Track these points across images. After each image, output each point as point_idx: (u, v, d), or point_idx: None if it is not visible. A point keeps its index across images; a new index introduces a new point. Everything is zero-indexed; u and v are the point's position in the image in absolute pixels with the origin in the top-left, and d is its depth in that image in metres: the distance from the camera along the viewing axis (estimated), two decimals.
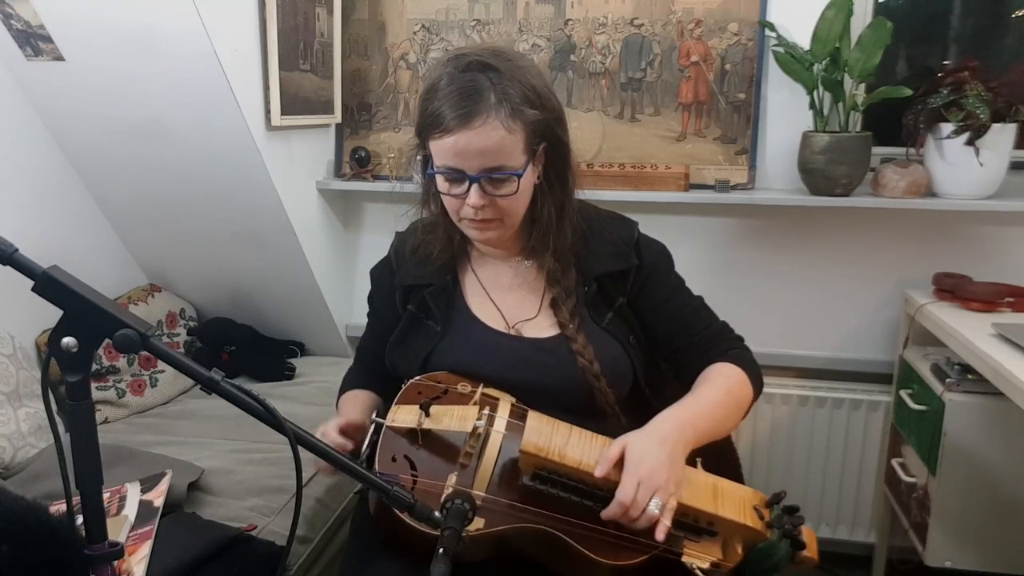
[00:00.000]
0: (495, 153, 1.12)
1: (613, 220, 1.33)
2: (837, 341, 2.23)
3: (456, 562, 0.89)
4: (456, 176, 1.15)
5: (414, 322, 1.31)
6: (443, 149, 1.14)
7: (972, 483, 1.74)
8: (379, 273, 1.40)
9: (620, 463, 1.07)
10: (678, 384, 1.31)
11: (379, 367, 1.37)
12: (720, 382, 1.23)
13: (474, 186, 1.14)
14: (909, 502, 1.90)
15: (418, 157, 1.24)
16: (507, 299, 1.30)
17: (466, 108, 1.11)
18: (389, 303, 1.34)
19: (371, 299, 1.42)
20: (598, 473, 1.07)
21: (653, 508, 1.03)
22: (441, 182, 1.18)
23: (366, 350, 1.45)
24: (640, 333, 1.30)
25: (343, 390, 1.43)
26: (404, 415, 1.15)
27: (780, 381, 2.20)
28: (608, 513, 1.06)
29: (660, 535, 1.04)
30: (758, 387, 1.27)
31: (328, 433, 1.20)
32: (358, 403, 1.35)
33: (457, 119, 1.11)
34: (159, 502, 1.47)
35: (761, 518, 1.13)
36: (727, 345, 1.30)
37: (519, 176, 1.15)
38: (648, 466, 1.05)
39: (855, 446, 2.18)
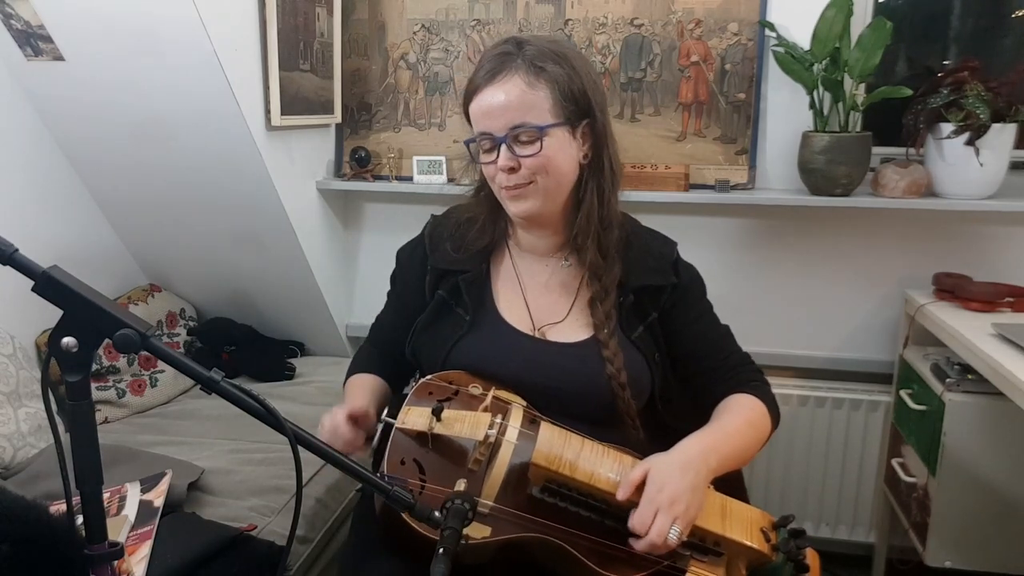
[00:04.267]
0: (517, 109, 1.14)
1: (655, 236, 1.34)
2: (837, 341, 2.23)
3: (461, 565, 0.88)
4: (488, 140, 1.18)
5: (443, 308, 1.29)
6: (476, 114, 1.19)
7: (972, 483, 1.74)
8: (409, 254, 1.38)
9: (641, 485, 1.07)
10: (690, 402, 1.31)
11: (392, 348, 1.36)
12: (743, 413, 1.24)
13: (502, 147, 1.16)
14: (909, 502, 1.90)
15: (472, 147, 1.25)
16: (538, 299, 1.29)
17: (493, 69, 1.16)
18: (416, 286, 1.33)
19: (395, 280, 1.41)
20: (620, 497, 1.06)
21: (672, 537, 1.03)
22: (479, 153, 1.21)
23: (381, 330, 1.43)
24: (664, 351, 1.30)
25: (352, 371, 1.41)
26: (415, 417, 1.14)
27: (780, 381, 2.20)
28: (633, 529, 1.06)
29: (664, 550, 1.05)
30: (776, 421, 1.28)
31: (338, 420, 1.18)
32: (366, 389, 1.32)
33: (483, 78, 1.17)
34: (159, 502, 1.47)
35: (767, 540, 1.13)
36: (748, 376, 1.31)
37: (540, 130, 1.15)
38: (669, 493, 1.05)
39: (855, 446, 2.18)
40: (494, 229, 1.30)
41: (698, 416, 1.24)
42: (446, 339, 1.26)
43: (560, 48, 1.20)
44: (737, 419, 1.22)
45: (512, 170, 1.16)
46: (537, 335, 1.27)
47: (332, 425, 1.18)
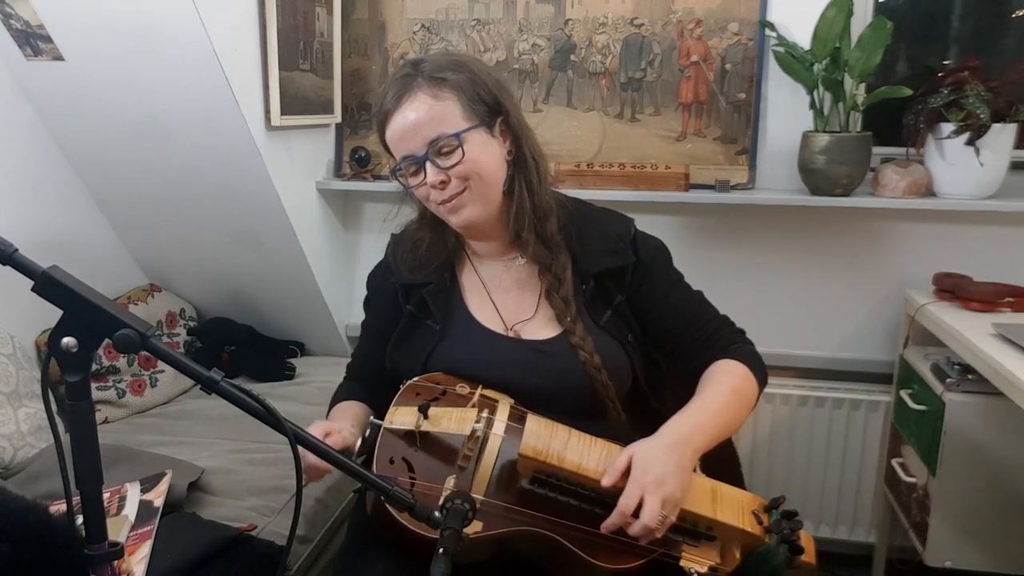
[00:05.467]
0: (429, 124, 1.16)
1: (609, 217, 1.33)
2: (837, 341, 2.23)
3: (454, 563, 0.89)
4: (412, 163, 1.19)
5: (414, 322, 1.31)
6: (393, 140, 1.20)
7: (972, 483, 1.74)
8: (376, 277, 1.40)
9: (627, 472, 1.07)
10: (677, 382, 1.31)
11: (373, 378, 1.37)
12: (726, 380, 1.23)
13: (427, 165, 1.17)
14: (909, 502, 1.90)
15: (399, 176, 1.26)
16: (505, 300, 1.30)
17: (397, 93, 1.18)
18: (389, 306, 1.34)
19: (368, 305, 1.42)
20: (605, 483, 1.06)
21: (660, 517, 1.03)
22: (407, 178, 1.21)
23: (360, 361, 1.44)
24: (639, 332, 1.30)
25: (333, 403, 1.41)
26: (402, 417, 1.14)
27: (780, 381, 2.20)
28: (609, 524, 1.05)
29: (657, 534, 1.04)
30: (762, 381, 1.27)
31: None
32: (347, 413, 1.33)
33: (391, 103, 1.18)
34: (159, 502, 1.47)
35: (760, 523, 1.13)
36: (729, 339, 1.30)
37: (457, 137, 1.15)
38: (654, 474, 1.05)
39: (855, 446, 2.18)
40: (445, 245, 1.31)
41: (686, 395, 1.23)
42: (420, 350, 1.27)
43: (456, 58, 1.23)
44: (722, 390, 1.21)
45: (443, 183, 1.17)
46: (511, 334, 1.27)
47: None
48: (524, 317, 1.28)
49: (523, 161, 1.24)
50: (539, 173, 1.25)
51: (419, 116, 1.15)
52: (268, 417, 0.84)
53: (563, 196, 1.32)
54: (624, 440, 1.15)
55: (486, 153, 1.19)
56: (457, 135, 1.15)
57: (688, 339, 1.29)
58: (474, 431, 1.12)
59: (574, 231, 1.28)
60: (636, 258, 1.28)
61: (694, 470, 1.16)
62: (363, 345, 1.44)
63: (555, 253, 1.26)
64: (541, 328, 1.27)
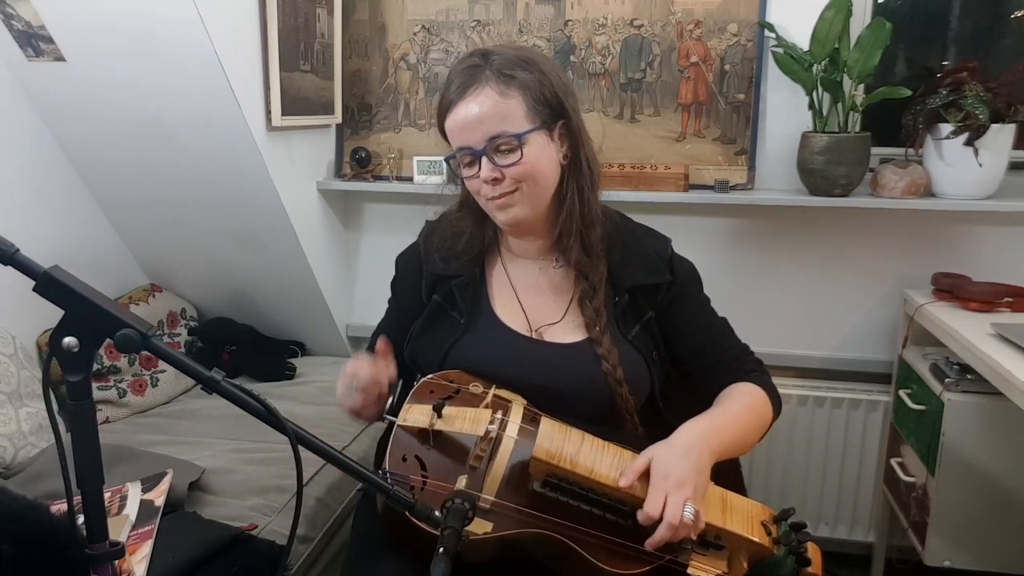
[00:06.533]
0: (492, 119, 1.15)
1: (648, 234, 1.34)
2: (836, 341, 2.24)
3: (463, 563, 0.89)
4: (468, 155, 1.18)
5: (438, 313, 1.31)
6: (452, 130, 1.19)
7: (971, 483, 1.74)
8: (405, 260, 1.39)
9: (645, 475, 1.08)
10: (691, 399, 1.31)
11: (395, 354, 1.37)
12: (743, 399, 1.25)
13: (483, 159, 1.16)
14: (908, 502, 1.90)
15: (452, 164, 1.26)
16: (533, 302, 1.30)
17: (464, 83, 1.17)
18: (414, 291, 1.34)
19: (394, 286, 1.42)
20: (623, 483, 1.07)
21: (688, 515, 1.04)
22: (460, 168, 1.21)
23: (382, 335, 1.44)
24: (663, 349, 1.31)
25: None
26: (416, 415, 1.14)
27: (780, 381, 2.14)
28: (654, 540, 1.05)
29: (693, 533, 1.06)
30: (777, 410, 1.29)
31: (360, 365, 1.18)
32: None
33: (455, 93, 1.17)
34: (160, 501, 1.47)
35: (768, 534, 1.13)
36: (750, 367, 1.32)
37: (519, 137, 1.15)
38: (675, 478, 1.06)
39: (854, 446, 2.19)
40: (483, 237, 1.31)
41: (699, 412, 1.23)
42: (442, 342, 1.27)
43: (526, 54, 1.21)
44: (737, 404, 1.23)
45: (496, 180, 1.17)
46: (534, 336, 1.27)
47: (353, 369, 1.18)
48: (551, 320, 1.28)
49: (578, 166, 1.23)
50: (592, 180, 1.25)
51: (483, 111, 1.15)
52: (269, 417, 0.85)
53: (609, 208, 1.32)
54: (638, 448, 1.15)
55: (544, 156, 1.19)
56: (518, 136, 1.15)
57: (710, 361, 1.31)
58: (488, 432, 1.12)
59: (617, 243, 1.28)
60: (672, 277, 1.29)
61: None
62: (386, 321, 1.44)
63: (595, 262, 1.26)
64: (566, 333, 1.27)
